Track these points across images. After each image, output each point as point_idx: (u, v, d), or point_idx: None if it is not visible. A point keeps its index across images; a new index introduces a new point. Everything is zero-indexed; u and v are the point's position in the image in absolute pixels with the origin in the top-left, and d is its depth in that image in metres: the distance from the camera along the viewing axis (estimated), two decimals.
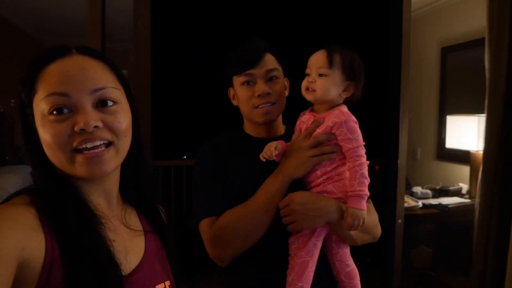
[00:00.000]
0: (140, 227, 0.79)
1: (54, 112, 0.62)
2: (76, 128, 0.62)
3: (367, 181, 0.97)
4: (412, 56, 1.81)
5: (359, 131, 1.00)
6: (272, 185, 1.02)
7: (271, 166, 1.08)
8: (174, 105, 1.74)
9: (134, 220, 0.79)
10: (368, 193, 0.97)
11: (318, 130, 1.02)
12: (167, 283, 0.76)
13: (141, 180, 0.80)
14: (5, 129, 4.19)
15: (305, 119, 1.07)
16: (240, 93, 1.11)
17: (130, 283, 0.67)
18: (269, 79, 1.09)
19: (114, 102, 0.67)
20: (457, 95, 3.23)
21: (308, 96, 1.05)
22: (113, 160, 0.67)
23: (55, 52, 0.66)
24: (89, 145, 0.63)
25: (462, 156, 2.98)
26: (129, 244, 0.72)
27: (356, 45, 1.75)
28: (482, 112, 2.39)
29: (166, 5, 1.65)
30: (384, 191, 1.93)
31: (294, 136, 1.08)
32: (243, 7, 1.66)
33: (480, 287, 2.13)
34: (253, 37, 1.13)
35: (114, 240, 0.67)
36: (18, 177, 3.67)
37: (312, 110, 1.09)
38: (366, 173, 0.98)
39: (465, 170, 2.97)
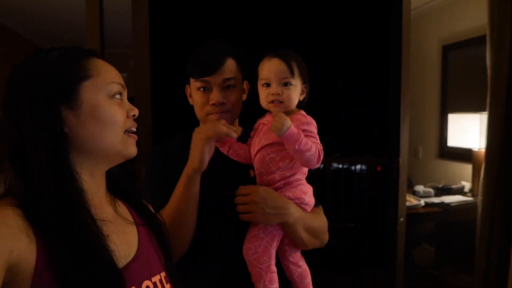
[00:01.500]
0: (131, 218, 0.79)
1: (117, 96, 0.72)
2: (132, 114, 0.75)
3: (306, 147, 0.96)
4: (413, 54, 1.81)
5: (316, 134, 1.03)
6: (182, 186, 1.00)
7: (225, 166, 1.08)
8: (174, 109, 1.74)
9: (124, 211, 0.79)
10: (304, 147, 0.96)
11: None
12: (162, 274, 0.76)
13: (123, 172, 0.83)
14: (2, 138, 4.18)
15: (266, 121, 1.06)
16: (195, 97, 1.10)
17: (126, 275, 0.66)
18: (226, 87, 1.06)
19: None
20: (458, 93, 3.22)
21: (275, 109, 1.03)
22: None
23: (85, 50, 0.74)
24: (133, 129, 0.75)
25: (464, 154, 2.97)
26: (124, 236, 0.73)
27: (357, 44, 1.76)
28: (483, 110, 2.39)
29: (164, 9, 1.66)
30: (386, 190, 1.93)
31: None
32: (242, 12, 1.67)
33: (483, 286, 2.13)
34: (217, 39, 1.10)
35: (108, 235, 0.66)
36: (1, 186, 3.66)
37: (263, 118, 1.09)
38: (312, 152, 0.97)
39: (467, 168, 2.97)
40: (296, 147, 0.96)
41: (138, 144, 0.78)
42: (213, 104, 1.05)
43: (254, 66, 1.08)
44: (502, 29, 1.92)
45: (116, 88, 0.72)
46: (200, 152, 0.97)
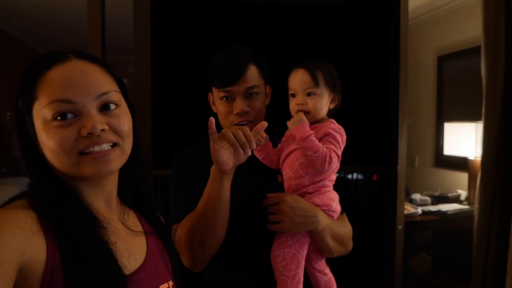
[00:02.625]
0: (140, 228, 0.79)
1: (58, 118, 0.62)
2: (83, 132, 0.63)
3: (311, 145, 0.97)
4: (409, 64, 1.84)
5: (341, 143, 1.03)
6: (211, 179, 0.96)
7: (253, 171, 1.08)
8: (175, 115, 1.75)
9: (133, 221, 0.79)
10: (307, 144, 0.97)
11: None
12: (170, 283, 0.76)
13: (138, 182, 0.81)
14: (2, 141, 4.17)
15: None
16: (219, 106, 1.09)
17: (133, 282, 0.67)
18: (249, 95, 1.06)
19: (116, 105, 0.68)
20: (454, 102, 3.26)
21: None
22: (118, 159, 0.68)
23: (52, 57, 0.66)
24: (96, 148, 0.64)
25: (460, 163, 3.00)
26: (131, 245, 0.73)
27: (354, 52, 1.78)
28: (479, 119, 2.42)
29: (166, 16, 1.67)
30: (383, 198, 1.93)
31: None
32: (244, 18, 1.69)
33: None
34: (237, 45, 1.09)
35: (115, 242, 0.67)
36: (16, 188, 3.62)
37: None
38: (316, 155, 0.97)
39: (463, 176, 2.99)
40: (301, 143, 0.98)
41: (136, 151, 0.74)
42: (237, 114, 1.05)
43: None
44: (496, 39, 1.95)
45: (55, 108, 0.62)
46: (219, 156, 0.92)
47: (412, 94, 3.32)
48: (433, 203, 2.80)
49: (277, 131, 1.14)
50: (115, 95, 0.69)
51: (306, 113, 1.04)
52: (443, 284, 2.96)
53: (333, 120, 1.08)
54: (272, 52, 1.15)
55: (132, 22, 1.64)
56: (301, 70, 1.05)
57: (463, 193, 2.91)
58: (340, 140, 1.03)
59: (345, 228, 1.12)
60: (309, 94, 1.04)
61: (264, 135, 1.02)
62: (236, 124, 1.06)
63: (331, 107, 1.09)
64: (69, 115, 0.63)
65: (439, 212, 2.60)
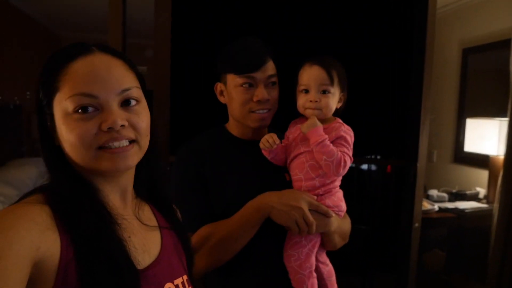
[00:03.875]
0: (155, 223, 0.79)
1: (79, 111, 0.62)
2: (103, 127, 0.63)
3: (326, 150, 0.98)
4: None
5: (351, 144, 1.04)
6: (250, 215, 0.99)
7: (261, 169, 1.08)
8: (193, 102, 1.74)
9: (148, 215, 0.79)
10: (323, 149, 0.98)
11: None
12: (185, 277, 0.76)
13: (155, 177, 0.81)
14: (22, 121, 4.24)
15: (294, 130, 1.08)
16: (236, 94, 1.06)
17: (147, 276, 0.67)
18: (269, 84, 1.06)
19: (137, 102, 0.68)
20: (477, 97, 3.17)
21: (311, 115, 1.04)
22: (136, 155, 0.68)
23: (76, 49, 0.66)
24: (115, 144, 0.64)
25: (480, 160, 2.93)
26: (145, 240, 0.73)
27: (379, 44, 1.73)
28: (502, 116, 2.34)
29: (187, 3, 1.65)
30: (401, 194, 1.90)
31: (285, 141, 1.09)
32: (264, 5, 1.65)
33: None
34: (251, 37, 1.08)
35: (129, 237, 0.67)
36: (35, 169, 3.72)
37: (298, 122, 1.10)
38: (331, 159, 0.98)
39: (483, 174, 2.92)
40: (315, 148, 0.98)
41: (153, 146, 0.74)
42: (258, 101, 1.04)
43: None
44: None
45: (77, 101, 0.62)
46: (285, 223, 0.99)
47: (434, 87, 3.24)
48: (450, 200, 2.75)
49: (278, 125, 1.15)
50: (136, 91, 0.69)
51: (317, 109, 1.03)
52: (456, 282, 2.93)
53: (340, 120, 1.07)
54: (286, 44, 1.12)
55: (152, 6, 1.62)
56: (316, 66, 1.03)
57: (481, 191, 2.85)
58: (351, 142, 1.04)
59: (348, 224, 1.15)
60: (323, 92, 1.02)
61: (278, 141, 1.03)
62: (254, 112, 1.05)
63: (338, 107, 1.07)
64: (90, 109, 0.63)
65: (456, 210, 2.56)
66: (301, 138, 1.05)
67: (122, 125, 0.64)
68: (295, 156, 1.06)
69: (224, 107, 1.15)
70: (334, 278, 1.10)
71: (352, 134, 1.05)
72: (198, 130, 1.19)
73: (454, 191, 2.85)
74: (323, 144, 0.97)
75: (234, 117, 1.11)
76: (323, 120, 1.05)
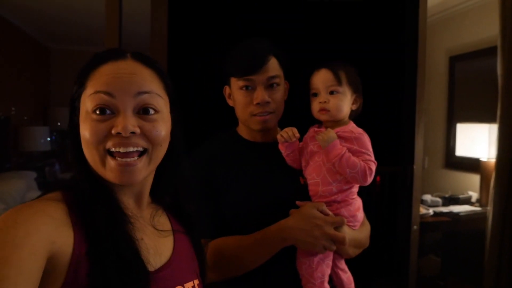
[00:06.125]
0: (169, 227, 0.79)
1: (97, 112, 0.64)
2: (113, 131, 0.63)
3: (348, 164, 0.97)
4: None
5: (370, 147, 1.03)
6: (271, 241, 0.96)
7: (274, 171, 1.06)
8: (190, 111, 1.73)
9: (163, 221, 0.79)
10: (345, 163, 0.97)
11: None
12: (196, 281, 0.76)
13: (177, 188, 0.82)
14: (9, 135, 4.17)
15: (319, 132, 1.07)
16: (238, 97, 1.05)
17: (158, 278, 0.67)
18: (270, 86, 1.03)
19: (156, 111, 0.68)
20: (466, 103, 3.24)
21: (323, 117, 1.05)
22: (144, 169, 0.68)
23: (110, 54, 0.69)
24: (122, 150, 0.64)
25: (471, 164, 2.97)
26: (158, 243, 0.73)
27: (371, 49, 1.76)
28: (492, 121, 2.39)
29: (184, 10, 1.66)
30: (398, 198, 1.91)
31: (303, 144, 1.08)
32: (261, 11, 1.67)
33: None
34: (257, 37, 1.07)
35: (141, 239, 0.68)
36: (23, 182, 3.65)
37: (319, 127, 1.10)
38: (355, 170, 0.97)
39: (474, 178, 2.96)
40: (337, 163, 0.98)
41: (177, 156, 0.76)
42: (257, 104, 1.02)
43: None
44: None
45: (96, 99, 0.64)
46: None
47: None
48: (444, 204, 2.78)
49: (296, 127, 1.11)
50: (156, 99, 0.68)
51: (327, 110, 1.03)
52: (452, 287, 2.94)
53: (353, 124, 1.07)
54: (287, 47, 1.12)
55: (147, 20, 1.62)
56: (324, 69, 1.04)
57: (474, 195, 2.88)
58: (368, 145, 1.02)
59: (365, 231, 1.11)
60: (331, 93, 1.03)
61: (298, 135, 1.02)
62: (255, 115, 1.04)
63: (353, 108, 1.07)
64: (108, 111, 0.64)
65: (451, 214, 2.58)
66: (319, 145, 1.03)
67: (133, 132, 0.64)
68: (311, 158, 1.05)
69: (223, 110, 1.15)
70: (353, 285, 1.07)
71: (366, 137, 1.04)
72: (196, 137, 1.18)
73: (447, 195, 2.88)
74: (344, 158, 0.97)
75: (240, 120, 1.11)
76: (336, 123, 1.05)
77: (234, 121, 1.17)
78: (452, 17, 3.32)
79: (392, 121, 1.81)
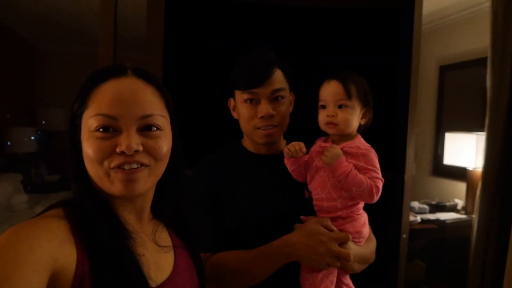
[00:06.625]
0: (169, 243, 0.80)
1: (101, 130, 0.65)
2: (117, 150, 0.65)
3: (354, 183, 0.95)
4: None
5: (377, 163, 1.00)
6: (274, 256, 0.95)
7: (278, 184, 1.06)
8: (187, 117, 1.72)
9: (163, 237, 0.80)
10: (351, 181, 0.95)
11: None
12: None
13: (179, 204, 0.83)
14: None
15: (325, 147, 1.04)
16: (242, 110, 1.04)
17: None
18: (275, 99, 1.02)
19: (158, 129, 0.70)
20: (454, 113, 3.30)
21: (330, 131, 1.03)
22: (144, 180, 0.69)
23: (111, 71, 0.69)
24: (126, 167, 0.66)
25: (457, 173, 3.03)
26: (159, 259, 0.73)
27: (364, 57, 1.79)
28: (479, 130, 2.45)
29: (180, 14, 1.65)
30: (387, 206, 1.94)
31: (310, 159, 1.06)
32: (259, 20, 1.67)
33: None
34: (262, 48, 1.05)
35: (143, 255, 0.68)
36: (9, 185, 3.58)
37: (326, 139, 1.08)
38: (362, 188, 0.95)
39: (460, 186, 3.03)
40: (343, 180, 0.95)
41: (178, 173, 0.76)
42: (261, 117, 1.01)
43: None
44: (504, 51, 1.98)
45: (99, 120, 0.65)
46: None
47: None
48: (430, 211, 2.83)
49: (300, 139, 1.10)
50: (159, 119, 0.70)
51: (335, 124, 1.00)
52: None
53: (361, 139, 1.04)
54: (286, 57, 1.13)
55: (142, 23, 1.61)
56: (334, 81, 1.01)
57: (460, 202, 2.95)
58: (375, 161, 1.00)
59: (371, 246, 1.09)
60: (340, 106, 1.00)
61: (304, 150, 1.01)
62: (259, 128, 1.03)
63: (362, 123, 1.04)
64: (111, 129, 0.65)
65: (437, 221, 2.63)
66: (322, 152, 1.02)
67: (136, 150, 0.65)
68: (317, 175, 1.03)
69: (221, 123, 1.14)
70: None
71: (373, 153, 1.01)
72: (191, 145, 1.18)
73: (434, 202, 2.94)
74: (350, 176, 0.94)
75: (244, 133, 1.10)
76: (343, 137, 1.03)
77: (237, 130, 1.16)
78: (443, 27, 3.39)
79: (384, 131, 1.84)
